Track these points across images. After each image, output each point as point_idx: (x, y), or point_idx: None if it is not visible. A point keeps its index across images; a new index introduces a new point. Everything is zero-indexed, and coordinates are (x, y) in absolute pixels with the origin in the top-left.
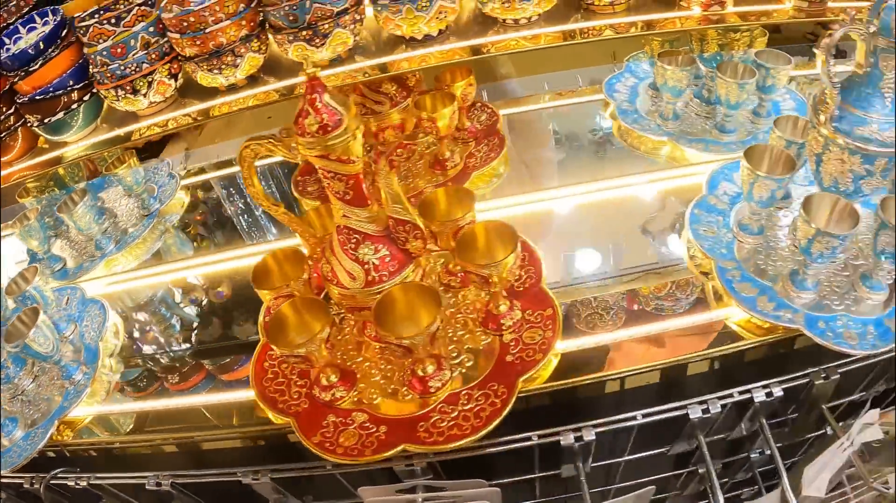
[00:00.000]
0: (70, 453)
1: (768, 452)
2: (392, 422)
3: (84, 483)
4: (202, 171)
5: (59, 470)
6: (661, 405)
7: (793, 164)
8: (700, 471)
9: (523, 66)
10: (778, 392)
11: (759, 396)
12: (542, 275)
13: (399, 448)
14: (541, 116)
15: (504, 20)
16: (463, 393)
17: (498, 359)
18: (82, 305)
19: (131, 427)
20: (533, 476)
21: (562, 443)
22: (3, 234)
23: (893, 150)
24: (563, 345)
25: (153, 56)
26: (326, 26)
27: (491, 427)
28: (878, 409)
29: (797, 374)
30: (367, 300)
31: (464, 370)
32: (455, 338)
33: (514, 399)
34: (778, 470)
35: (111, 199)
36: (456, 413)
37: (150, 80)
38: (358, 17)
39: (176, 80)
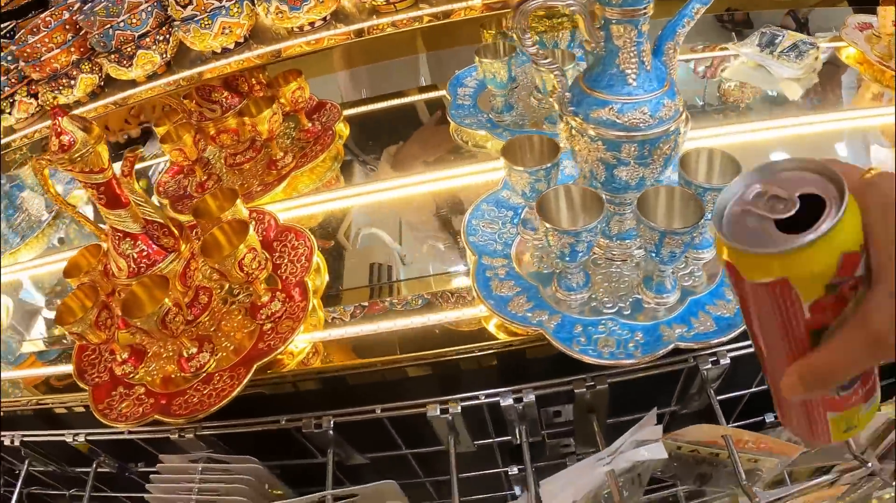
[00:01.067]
0: None
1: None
2: (159, 396)
3: None
4: None
5: None
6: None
7: (553, 153)
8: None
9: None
10: (529, 398)
11: (507, 402)
12: (309, 268)
13: (152, 417)
14: (387, 113)
15: (291, 28)
16: (217, 374)
17: (253, 345)
18: None
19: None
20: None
21: (303, 429)
22: None
23: (638, 133)
24: (329, 335)
25: (13, 80)
26: (129, 49)
27: (220, 405)
28: (660, 426)
29: (555, 381)
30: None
31: (225, 354)
32: (229, 325)
33: (245, 381)
34: (527, 482)
35: (28, 197)
36: (206, 391)
37: (11, 100)
38: (161, 38)
39: (36, 99)
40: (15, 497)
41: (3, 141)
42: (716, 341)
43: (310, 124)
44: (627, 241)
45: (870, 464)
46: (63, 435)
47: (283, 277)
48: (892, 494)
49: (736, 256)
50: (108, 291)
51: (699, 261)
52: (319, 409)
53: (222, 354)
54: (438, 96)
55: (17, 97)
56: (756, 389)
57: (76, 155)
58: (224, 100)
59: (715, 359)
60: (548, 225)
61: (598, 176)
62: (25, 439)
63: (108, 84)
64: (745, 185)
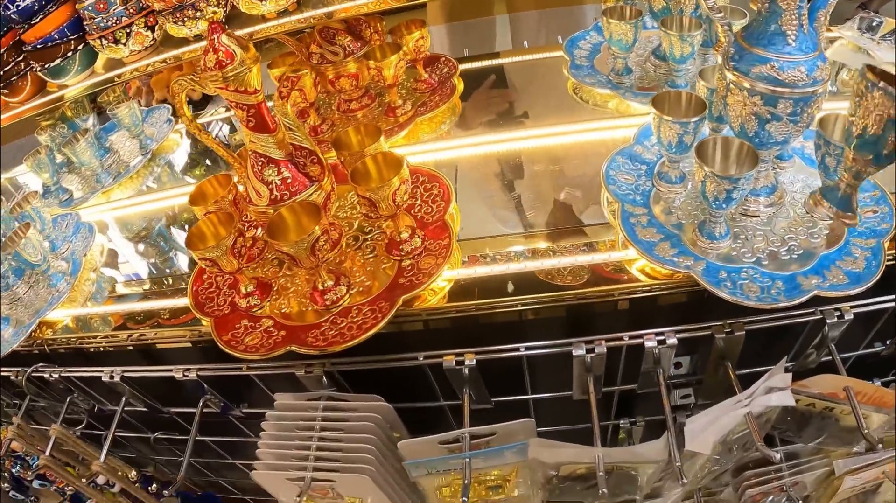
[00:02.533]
0: (50, 350)
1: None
2: (291, 328)
3: (56, 376)
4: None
5: (38, 364)
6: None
7: (700, 108)
8: (621, 423)
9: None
10: (672, 341)
11: (651, 343)
12: (447, 208)
13: (286, 348)
14: (502, 70)
15: None
16: (355, 308)
17: (392, 280)
18: (77, 228)
19: (100, 328)
20: (434, 404)
21: (444, 365)
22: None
23: (795, 90)
24: (458, 274)
25: (131, 10)
26: None
27: (364, 337)
28: (790, 374)
29: (696, 326)
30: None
31: (361, 289)
32: (361, 261)
33: (390, 315)
34: (666, 421)
35: (118, 139)
36: (343, 324)
37: (128, 31)
38: None
39: (153, 31)
40: (109, 437)
41: (109, 75)
42: (851, 292)
43: (426, 75)
44: (761, 197)
45: None
46: (171, 370)
47: (418, 217)
48: None
49: None
50: (241, 219)
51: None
52: (449, 348)
53: (358, 289)
54: (553, 56)
55: (134, 28)
56: (864, 351)
57: (231, 73)
58: (347, 44)
59: (840, 313)
60: (707, 169)
61: (748, 130)
62: (126, 374)
63: (230, 21)
64: None
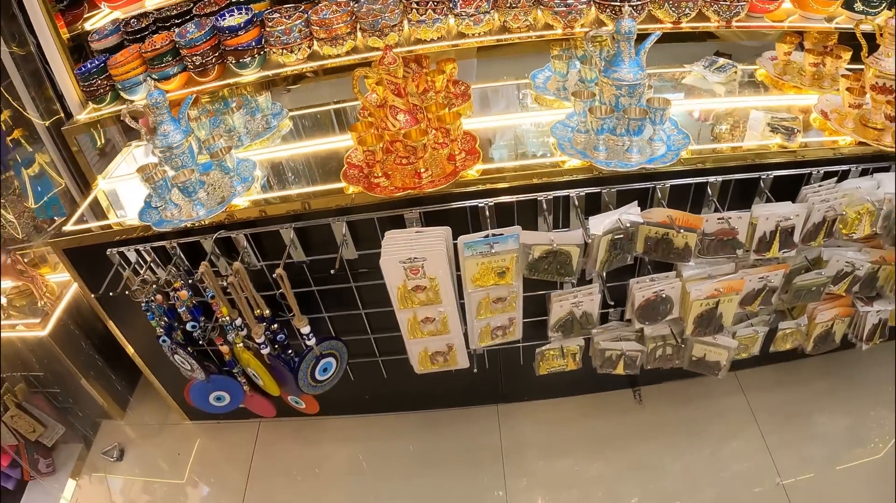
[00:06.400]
0: (230, 223)
1: None
2: (404, 189)
3: (242, 233)
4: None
5: (222, 228)
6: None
7: (592, 95)
8: None
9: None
10: (582, 193)
11: (573, 194)
12: (476, 144)
13: (405, 192)
14: (495, 88)
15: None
16: (438, 180)
17: (452, 171)
18: (238, 162)
19: (269, 208)
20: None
21: (479, 205)
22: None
23: (630, 82)
24: (483, 167)
25: (303, 35)
26: (387, 30)
27: (443, 186)
28: (639, 208)
29: (594, 188)
30: (398, 136)
31: (436, 173)
32: (435, 163)
33: (454, 179)
34: (581, 221)
35: (253, 116)
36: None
37: (299, 46)
38: (400, 28)
39: (310, 48)
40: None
41: (274, 72)
42: (666, 170)
43: (453, 89)
44: (623, 136)
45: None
46: (329, 221)
47: (462, 146)
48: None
49: None
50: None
51: (654, 143)
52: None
53: (435, 172)
54: (524, 82)
55: (301, 46)
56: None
57: (392, 67)
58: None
59: (663, 183)
60: (595, 116)
61: (612, 103)
62: (297, 227)
63: (354, 49)
64: None
